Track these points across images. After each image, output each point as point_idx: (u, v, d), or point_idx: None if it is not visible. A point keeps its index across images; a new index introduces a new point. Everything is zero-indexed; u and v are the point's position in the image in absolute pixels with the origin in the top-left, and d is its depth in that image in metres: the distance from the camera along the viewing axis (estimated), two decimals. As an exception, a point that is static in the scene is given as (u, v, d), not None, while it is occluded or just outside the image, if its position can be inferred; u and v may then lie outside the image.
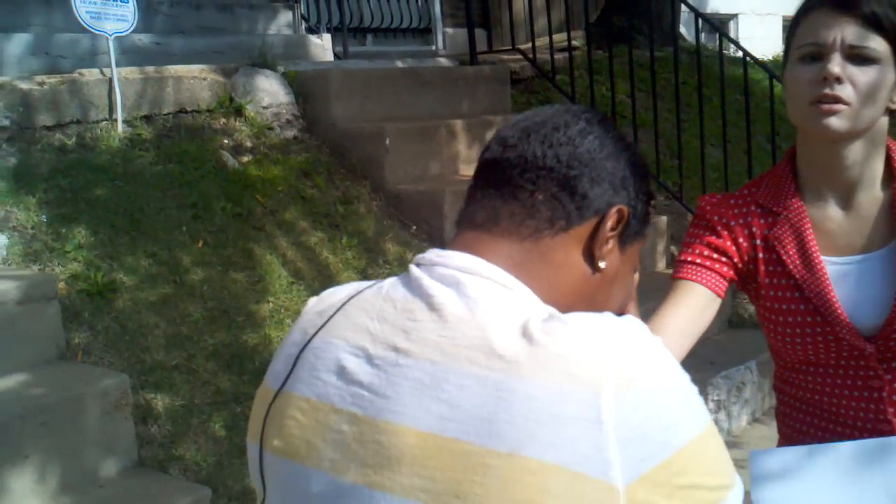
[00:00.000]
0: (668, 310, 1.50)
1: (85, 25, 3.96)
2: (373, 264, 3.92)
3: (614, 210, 0.98)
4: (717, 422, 3.87)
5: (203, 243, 3.62)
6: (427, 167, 4.57)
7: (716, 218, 1.55)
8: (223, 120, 4.32)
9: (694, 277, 1.52)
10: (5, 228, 3.31)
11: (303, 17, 6.55)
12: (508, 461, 0.79)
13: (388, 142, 4.35)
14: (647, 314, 4.01)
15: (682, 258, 1.56)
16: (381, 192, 4.34)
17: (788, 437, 1.63)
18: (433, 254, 0.97)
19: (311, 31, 6.41)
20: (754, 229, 1.53)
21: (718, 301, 1.52)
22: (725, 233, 1.54)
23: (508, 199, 0.97)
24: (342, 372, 0.92)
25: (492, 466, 0.80)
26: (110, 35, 4.02)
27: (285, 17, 6.39)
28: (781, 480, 1.41)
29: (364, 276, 3.84)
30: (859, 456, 1.40)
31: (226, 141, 4.21)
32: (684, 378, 0.86)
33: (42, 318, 3.01)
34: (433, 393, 0.85)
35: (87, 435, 2.78)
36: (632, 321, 0.88)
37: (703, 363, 4.04)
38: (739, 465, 3.44)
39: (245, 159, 4.15)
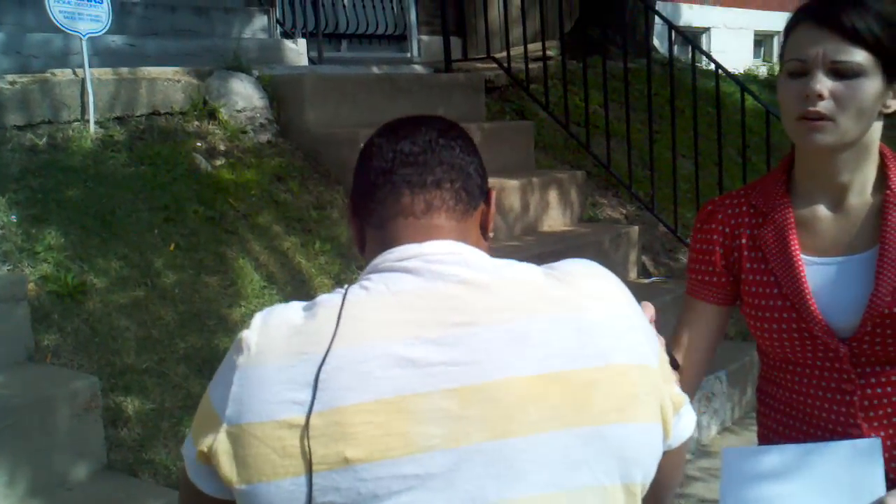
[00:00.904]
0: (681, 328, 1.68)
1: (58, 25, 3.92)
2: (346, 270, 3.92)
3: (492, 194, 1.20)
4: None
5: (175, 246, 3.60)
6: (401, 174, 4.57)
7: (704, 230, 1.64)
8: (197, 123, 4.30)
9: (694, 293, 1.67)
10: (-26, 228, 3.28)
11: (278, 21, 6.54)
12: (605, 371, 1.01)
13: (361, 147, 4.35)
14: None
15: (688, 272, 1.70)
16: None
17: (765, 437, 1.67)
18: (414, 249, 1.08)
19: (286, 35, 6.41)
20: (743, 230, 1.59)
21: (725, 309, 1.65)
22: (714, 238, 1.62)
23: (435, 190, 1.12)
24: (410, 363, 0.98)
25: (595, 379, 1.00)
26: (84, 35, 3.99)
27: (260, 21, 6.39)
28: (752, 478, 1.44)
29: (337, 281, 3.84)
30: (827, 457, 1.44)
31: (199, 144, 4.19)
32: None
33: (11, 319, 2.98)
34: (522, 344, 1.00)
35: (56, 437, 2.75)
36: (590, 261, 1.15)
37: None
38: (711, 474, 3.45)
39: (218, 163, 4.14)
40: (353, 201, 1.19)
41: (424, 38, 8.75)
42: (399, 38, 8.66)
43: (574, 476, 0.99)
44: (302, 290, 3.72)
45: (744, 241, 1.58)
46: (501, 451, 0.97)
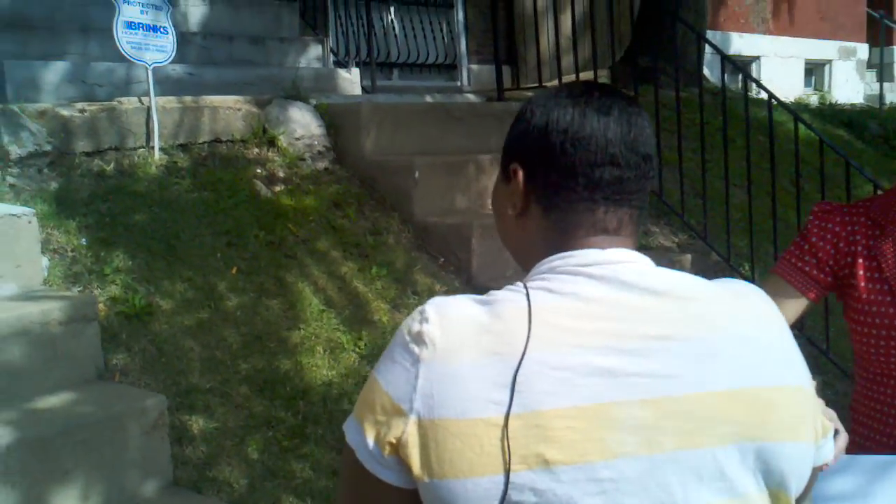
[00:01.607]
0: None
1: (127, 56, 4.06)
2: (402, 295, 3.98)
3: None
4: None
5: (237, 270, 3.69)
6: (455, 201, 4.64)
7: (821, 224, 1.70)
8: (256, 150, 4.41)
9: (783, 273, 1.72)
10: (47, 251, 3.39)
11: (332, 50, 6.67)
12: (782, 391, 1.05)
13: (417, 175, 4.43)
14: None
15: (785, 253, 1.74)
16: (410, 224, 4.41)
17: (856, 449, 1.69)
18: (598, 255, 1.09)
19: (339, 64, 6.53)
20: (859, 238, 1.65)
21: (804, 301, 1.70)
22: (828, 237, 1.67)
23: (628, 209, 1.13)
24: (608, 372, 1.01)
25: (774, 398, 1.04)
26: (150, 65, 4.13)
27: (315, 50, 6.52)
28: (835, 486, 1.47)
29: (394, 306, 3.90)
30: None
31: (259, 170, 4.29)
32: None
33: (82, 338, 3.07)
34: (713, 360, 1.03)
35: (126, 454, 2.83)
36: None
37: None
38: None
39: (278, 189, 4.23)
40: (528, 167, 1.15)
41: (474, 66, 8.86)
42: (449, 67, 8.78)
43: (747, 487, 1.04)
44: (359, 314, 3.79)
45: (860, 248, 1.64)
46: (689, 461, 1.01)
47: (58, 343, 3.00)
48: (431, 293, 4.06)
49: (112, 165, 3.91)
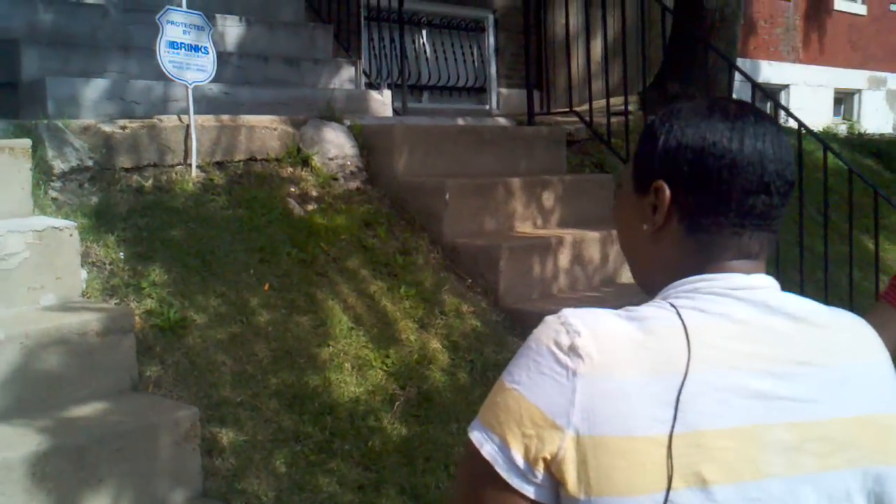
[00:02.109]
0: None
1: (168, 75, 4.16)
2: (429, 314, 4.04)
3: None
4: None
5: (269, 286, 3.76)
6: (484, 223, 4.70)
7: None
8: (290, 169, 4.50)
9: (890, 300, 1.80)
10: (86, 263, 3.48)
11: (364, 72, 6.77)
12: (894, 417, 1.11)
13: (447, 196, 4.49)
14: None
15: (890, 283, 1.82)
16: (439, 245, 4.47)
17: None
18: (743, 280, 1.11)
19: (370, 86, 6.63)
20: None
21: None
22: None
23: (768, 233, 1.15)
24: (761, 395, 1.04)
25: (891, 425, 1.10)
26: (190, 84, 4.23)
27: (348, 72, 6.62)
28: None
29: (421, 325, 3.95)
30: None
31: (293, 189, 4.38)
32: None
33: (119, 350, 3.15)
34: (846, 386, 1.08)
35: (158, 463, 2.90)
36: None
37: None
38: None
39: (310, 207, 4.31)
40: (675, 186, 1.14)
41: (504, 90, 8.95)
42: (478, 91, 8.88)
43: None
44: (387, 332, 3.84)
45: None
46: (824, 483, 1.06)
47: (95, 354, 3.08)
48: (458, 313, 4.11)
49: (150, 181, 4.01)
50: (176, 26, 4.20)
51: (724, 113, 1.13)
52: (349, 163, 4.69)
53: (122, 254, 3.59)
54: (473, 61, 8.80)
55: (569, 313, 1.06)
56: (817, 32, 11.39)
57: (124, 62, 5.53)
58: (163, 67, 4.15)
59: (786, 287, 3.93)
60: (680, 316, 1.05)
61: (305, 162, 4.55)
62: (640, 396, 1.00)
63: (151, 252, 3.65)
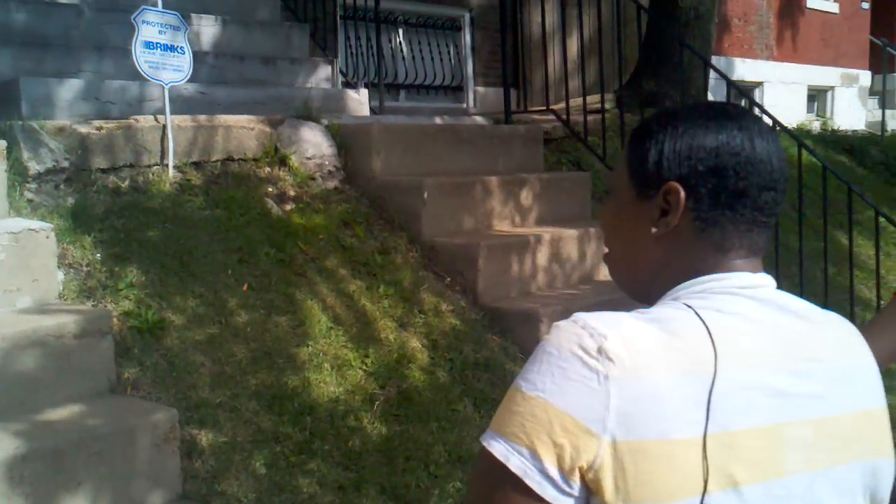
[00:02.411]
0: (878, 318, 1.86)
1: (144, 75, 4.14)
2: (409, 313, 4.04)
3: None
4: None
5: (247, 287, 3.75)
6: (462, 221, 4.71)
7: None
8: (268, 169, 4.49)
9: None
10: (62, 265, 3.46)
11: (341, 71, 6.76)
12: (883, 412, 1.15)
13: (425, 195, 4.50)
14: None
15: None
16: (418, 244, 4.47)
17: None
18: (752, 278, 1.13)
19: (347, 85, 6.62)
20: None
21: None
22: None
23: (768, 229, 1.19)
24: (781, 393, 1.05)
25: (881, 418, 1.15)
26: (166, 84, 4.21)
27: (324, 71, 6.61)
28: None
29: (400, 324, 3.96)
30: None
31: (270, 189, 4.37)
32: None
33: (96, 352, 3.14)
34: (849, 382, 1.12)
35: (137, 466, 2.89)
36: None
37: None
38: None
39: (288, 207, 4.30)
40: (690, 187, 1.14)
41: (480, 89, 8.96)
42: (455, 89, 8.88)
43: (857, 499, 1.12)
44: (366, 331, 3.85)
45: None
46: (834, 477, 1.09)
47: (72, 356, 3.07)
48: (437, 312, 4.12)
49: (127, 182, 3.99)
50: (151, 26, 4.18)
51: (727, 114, 1.16)
52: (327, 162, 4.68)
53: (98, 255, 3.57)
54: (450, 60, 8.81)
55: (586, 317, 1.04)
56: (790, 30, 11.48)
57: (99, 62, 5.49)
58: (139, 67, 4.13)
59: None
60: (700, 316, 1.04)
61: (283, 161, 4.54)
62: (672, 398, 0.98)
63: (129, 253, 3.63)
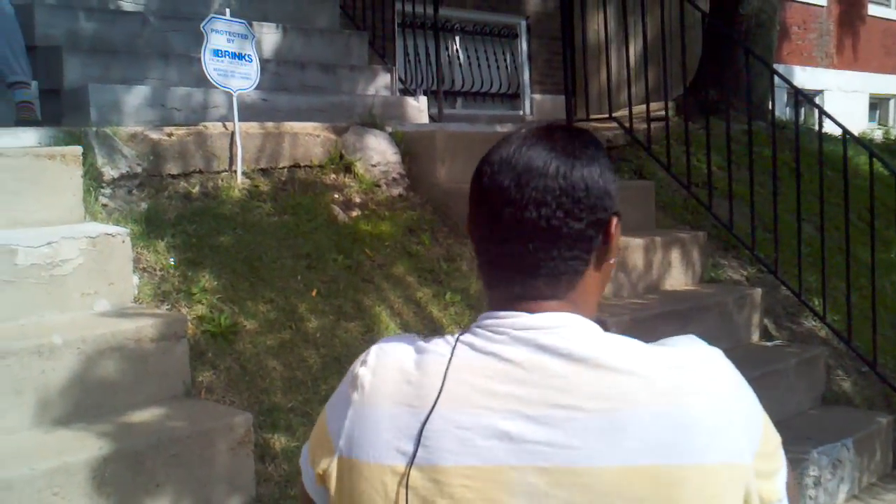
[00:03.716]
0: None
1: (214, 83, 4.18)
2: (475, 320, 4.02)
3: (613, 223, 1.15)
4: (814, 499, 3.86)
5: (316, 292, 3.77)
6: (526, 229, 4.67)
7: None
8: (334, 175, 4.51)
9: None
10: (136, 269, 3.49)
11: (400, 79, 6.79)
12: (696, 470, 1.00)
13: (490, 203, 4.47)
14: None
15: None
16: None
17: None
18: (528, 320, 1.08)
19: (405, 92, 6.64)
20: None
21: None
22: None
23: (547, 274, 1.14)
24: (507, 436, 1.02)
25: (685, 478, 1.00)
26: (235, 92, 4.24)
27: (383, 79, 6.64)
28: None
29: (467, 331, 3.94)
30: None
31: (336, 196, 4.38)
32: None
33: (172, 355, 3.16)
34: (619, 434, 1.00)
35: (213, 469, 2.91)
36: (704, 343, 1.12)
37: (799, 438, 4.04)
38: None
39: (354, 214, 4.32)
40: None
41: (537, 96, 8.94)
42: (511, 97, 8.87)
43: None
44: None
45: None
46: None
47: (149, 359, 3.10)
48: (504, 320, 4.09)
49: (197, 188, 4.03)
50: (220, 34, 4.22)
51: (520, 133, 1.17)
52: (391, 169, 4.69)
53: (172, 259, 3.60)
54: (506, 67, 8.80)
55: (379, 343, 1.15)
56: (851, 38, 11.31)
57: (164, 69, 5.57)
58: (208, 75, 4.17)
59: (831, 294, 3.91)
60: (453, 350, 1.08)
61: (348, 168, 4.56)
62: (389, 428, 1.06)
63: (201, 258, 3.66)
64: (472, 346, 1.08)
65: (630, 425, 1.00)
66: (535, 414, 1.02)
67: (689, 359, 1.06)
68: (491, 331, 1.09)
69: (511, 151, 1.12)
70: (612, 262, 1.17)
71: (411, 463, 1.04)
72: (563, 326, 1.08)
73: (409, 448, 1.04)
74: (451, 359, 1.07)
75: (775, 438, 1.09)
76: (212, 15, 4.23)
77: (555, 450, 1.01)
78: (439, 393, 1.05)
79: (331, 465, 1.10)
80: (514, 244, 1.10)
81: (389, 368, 1.10)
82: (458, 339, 1.10)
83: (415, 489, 1.03)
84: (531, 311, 1.09)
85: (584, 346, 1.05)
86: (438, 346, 1.10)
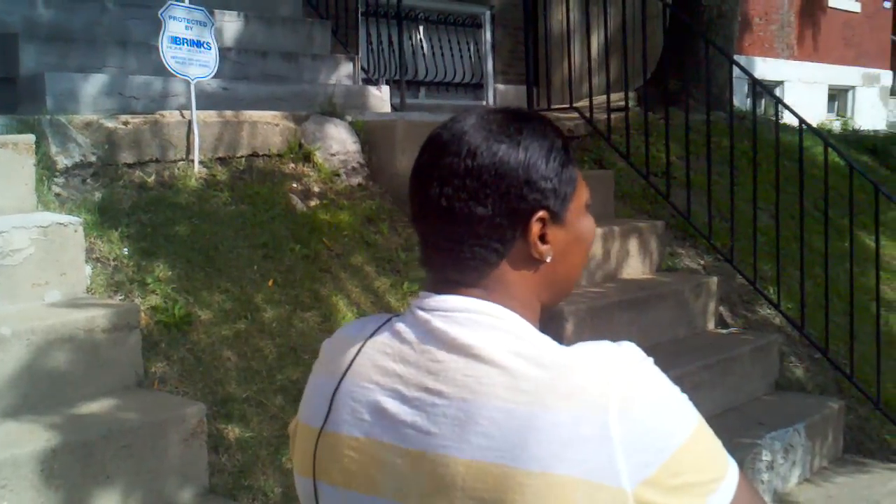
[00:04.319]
0: None
1: (171, 70, 4.15)
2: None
3: (534, 222, 1.06)
4: (767, 483, 3.92)
5: (273, 282, 3.76)
6: (485, 218, 4.69)
7: None
8: (293, 165, 4.49)
9: None
10: (90, 259, 3.47)
11: (362, 68, 6.76)
12: (541, 479, 0.94)
13: (449, 192, 4.48)
14: (696, 373, 4.06)
15: None
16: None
17: None
18: (433, 301, 1.07)
19: (368, 82, 6.62)
20: None
21: None
22: None
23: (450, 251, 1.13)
24: (384, 413, 1.05)
25: (527, 485, 0.95)
26: (193, 80, 4.21)
27: (346, 68, 6.61)
28: None
29: (425, 321, 3.95)
30: None
31: (295, 185, 4.37)
32: (674, 391, 1.01)
33: (125, 346, 3.15)
34: (471, 427, 0.98)
35: (165, 460, 2.90)
36: (627, 346, 1.02)
37: (751, 424, 4.10)
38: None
39: (313, 203, 4.31)
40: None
41: (500, 86, 8.95)
42: (475, 87, 8.87)
43: None
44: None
45: None
46: None
47: (101, 350, 3.08)
48: (462, 310, 4.11)
49: (153, 177, 4.00)
50: (178, 22, 4.19)
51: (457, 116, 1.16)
52: (351, 159, 4.68)
53: (126, 250, 3.58)
54: (470, 57, 8.79)
55: (355, 319, 1.24)
56: (811, 29, 11.42)
57: (122, 57, 5.51)
58: (165, 63, 4.13)
59: (786, 282, 3.98)
60: (378, 328, 1.11)
61: (307, 158, 4.54)
62: (317, 394, 1.12)
63: (155, 248, 3.64)
64: (390, 324, 1.10)
65: (482, 419, 0.97)
66: (410, 395, 1.03)
67: (577, 363, 0.98)
68: (414, 309, 1.09)
69: (442, 129, 1.10)
70: (548, 261, 1.08)
71: (322, 427, 1.09)
72: (461, 311, 1.04)
73: (324, 413, 1.09)
74: (372, 334, 1.10)
75: (698, 472, 0.98)
76: (170, 2, 4.19)
77: (416, 433, 1.02)
78: (349, 365, 1.09)
79: (292, 426, 1.19)
80: (424, 223, 1.09)
81: (336, 341, 1.15)
82: (392, 317, 1.12)
83: (321, 452, 1.09)
84: (442, 293, 1.07)
85: (468, 333, 1.02)
86: (373, 324, 1.12)
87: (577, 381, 0.97)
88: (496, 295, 1.06)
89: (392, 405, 1.04)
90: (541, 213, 1.06)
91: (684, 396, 1.01)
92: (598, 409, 0.95)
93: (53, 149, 3.69)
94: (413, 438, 1.02)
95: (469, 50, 8.77)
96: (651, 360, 1.02)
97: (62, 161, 3.71)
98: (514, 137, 1.06)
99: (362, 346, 1.09)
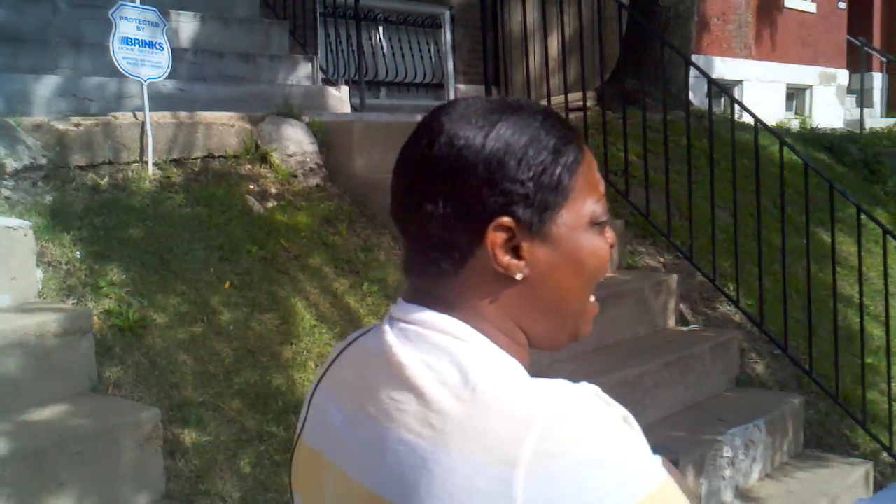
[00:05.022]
0: None
1: (123, 72, 4.08)
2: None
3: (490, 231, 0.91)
4: (728, 478, 3.94)
5: (230, 285, 3.71)
6: (445, 218, 4.67)
7: None
8: (249, 166, 4.44)
9: None
10: (41, 263, 3.40)
11: (321, 69, 6.73)
12: None
13: (408, 192, 4.46)
14: (657, 371, 4.08)
15: None
16: (401, 242, 4.44)
17: None
18: (400, 310, 0.98)
19: (327, 82, 6.58)
20: None
21: None
22: None
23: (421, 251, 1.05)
24: (330, 428, 0.99)
25: None
26: (145, 81, 4.15)
27: (305, 68, 6.57)
28: None
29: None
30: None
31: (252, 186, 4.32)
32: (622, 449, 0.81)
33: (77, 351, 3.08)
34: (378, 454, 0.89)
35: (120, 466, 2.84)
36: (582, 389, 0.85)
37: (711, 420, 4.12)
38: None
39: (270, 205, 4.26)
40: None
41: (461, 86, 8.94)
42: (436, 87, 8.86)
43: None
44: (350, 329, 3.81)
45: None
46: None
47: (52, 355, 3.01)
48: (422, 310, 4.09)
49: (106, 179, 3.93)
50: (129, 22, 4.12)
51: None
52: (308, 159, 4.64)
53: (78, 253, 3.51)
54: (430, 57, 8.78)
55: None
56: (769, 29, 11.56)
57: (76, 59, 5.43)
58: (117, 64, 4.07)
59: (745, 279, 4.01)
60: (357, 337, 1.05)
61: (264, 159, 4.50)
62: (307, 399, 1.09)
63: (109, 251, 3.58)
64: (371, 336, 1.02)
65: (389, 451, 0.87)
66: (350, 413, 0.95)
67: (501, 401, 0.84)
68: (388, 319, 0.99)
69: (427, 113, 0.98)
70: (519, 279, 0.91)
71: (299, 433, 1.06)
72: (415, 325, 0.93)
73: (303, 420, 1.07)
74: (353, 341, 1.04)
75: None
76: (120, 2, 4.12)
77: (345, 454, 0.94)
78: (322, 374, 1.05)
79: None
80: (393, 218, 0.98)
81: (334, 350, 1.10)
82: (379, 326, 1.02)
83: (296, 460, 1.07)
84: (410, 302, 0.96)
85: (407, 352, 0.91)
86: (367, 328, 1.08)
87: (490, 422, 0.82)
88: (463, 312, 0.93)
89: (338, 420, 0.96)
90: (503, 220, 0.89)
91: (644, 457, 0.82)
92: (505, 461, 0.79)
93: (2, 151, 3.62)
94: (342, 459, 0.94)
95: (430, 50, 8.77)
96: (615, 408, 0.84)
97: (11, 164, 3.63)
98: (485, 128, 0.90)
99: (340, 353, 1.04)
